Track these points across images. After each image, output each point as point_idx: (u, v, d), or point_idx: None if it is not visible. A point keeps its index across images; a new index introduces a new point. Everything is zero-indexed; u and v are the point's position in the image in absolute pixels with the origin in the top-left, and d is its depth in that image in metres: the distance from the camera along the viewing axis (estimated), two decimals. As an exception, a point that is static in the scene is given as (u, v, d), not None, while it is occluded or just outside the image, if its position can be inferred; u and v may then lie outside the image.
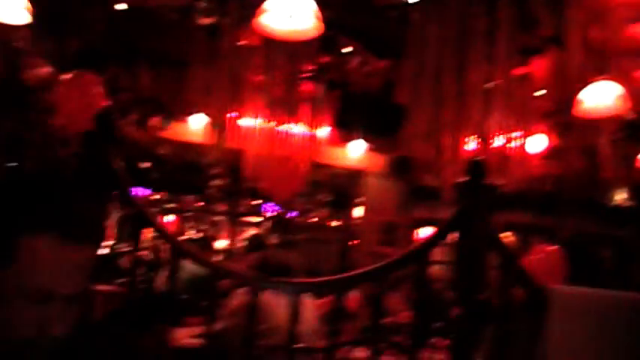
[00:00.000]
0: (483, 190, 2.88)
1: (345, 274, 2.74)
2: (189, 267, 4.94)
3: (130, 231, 2.83)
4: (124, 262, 6.18)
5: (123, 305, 3.07)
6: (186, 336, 3.56)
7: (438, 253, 2.95)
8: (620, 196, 7.64)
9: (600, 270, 4.29)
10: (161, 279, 5.71)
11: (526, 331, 2.91)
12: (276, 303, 3.02)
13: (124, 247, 6.79)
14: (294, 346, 2.67)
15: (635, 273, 6.69)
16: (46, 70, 3.40)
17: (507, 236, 7.19)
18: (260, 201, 9.49)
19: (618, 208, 7.69)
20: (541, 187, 6.72)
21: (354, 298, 4.86)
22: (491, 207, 2.90)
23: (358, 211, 8.43)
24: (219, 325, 3.13)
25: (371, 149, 7.73)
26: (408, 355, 3.14)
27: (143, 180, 7.83)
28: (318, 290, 3.11)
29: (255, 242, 4.26)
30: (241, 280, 2.95)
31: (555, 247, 3.41)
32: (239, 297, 3.24)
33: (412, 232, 8.26)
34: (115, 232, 9.21)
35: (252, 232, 8.83)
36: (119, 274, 5.78)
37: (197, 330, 3.55)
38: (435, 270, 5.42)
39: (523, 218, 7.72)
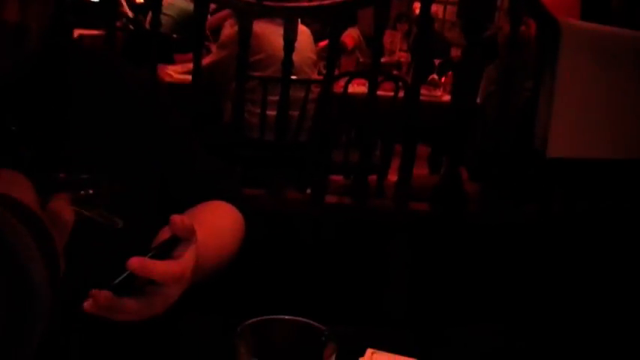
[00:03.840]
0: None
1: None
2: (178, 3, 4.72)
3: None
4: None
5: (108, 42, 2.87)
6: (177, 72, 3.44)
7: None
8: None
9: (609, 15, 4.09)
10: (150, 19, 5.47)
11: (534, 64, 2.80)
12: (270, 31, 2.84)
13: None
14: (290, 77, 2.54)
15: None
16: None
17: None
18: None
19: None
20: None
21: (351, 34, 4.70)
22: None
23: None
24: (208, 59, 2.97)
25: None
26: (406, 88, 3.07)
27: None
28: (314, 14, 2.92)
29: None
30: (231, 6, 2.73)
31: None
32: (230, 27, 3.05)
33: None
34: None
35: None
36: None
37: (188, 66, 3.42)
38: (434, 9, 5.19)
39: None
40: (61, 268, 0.63)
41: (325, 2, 2.44)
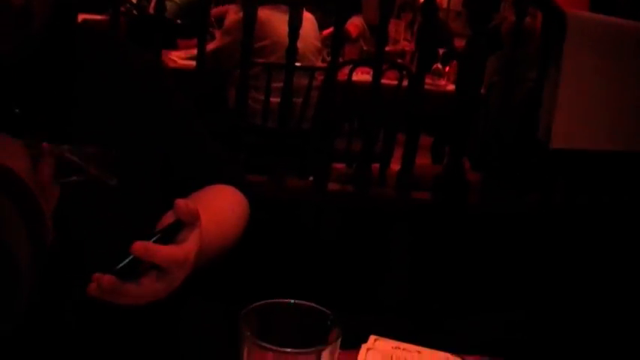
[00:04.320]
0: None
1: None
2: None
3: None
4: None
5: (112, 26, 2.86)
6: (180, 58, 3.43)
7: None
8: None
9: (616, 8, 4.08)
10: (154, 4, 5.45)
11: (538, 55, 2.80)
12: (275, 18, 2.83)
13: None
14: (294, 64, 2.53)
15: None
16: None
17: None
18: None
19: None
20: None
21: (355, 23, 4.69)
22: None
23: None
24: (213, 45, 2.97)
25: None
26: (410, 77, 3.06)
27: None
28: (319, 2, 2.91)
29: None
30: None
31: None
32: (234, 13, 3.04)
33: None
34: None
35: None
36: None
37: (191, 52, 3.41)
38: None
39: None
40: (49, 239, 0.62)
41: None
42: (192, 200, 0.87)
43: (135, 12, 5.40)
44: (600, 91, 2.79)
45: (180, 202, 0.80)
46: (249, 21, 2.42)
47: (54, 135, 0.91)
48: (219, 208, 1.05)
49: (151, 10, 5.48)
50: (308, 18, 2.78)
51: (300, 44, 2.52)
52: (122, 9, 5.38)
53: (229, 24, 3.00)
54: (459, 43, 5.29)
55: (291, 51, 2.45)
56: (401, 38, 5.22)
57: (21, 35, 0.87)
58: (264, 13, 2.63)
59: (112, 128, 0.98)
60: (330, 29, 4.40)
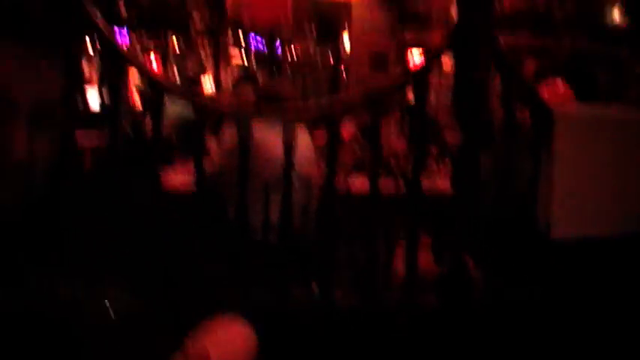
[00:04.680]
0: (482, 5, 2.69)
1: (341, 100, 2.59)
2: (174, 109, 4.82)
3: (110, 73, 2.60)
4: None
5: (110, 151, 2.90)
6: (178, 179, 3.47)
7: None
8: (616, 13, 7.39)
9: (598, 92, 4.20)
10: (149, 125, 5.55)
11: (529, 152, 2.84)
12: (270, 137, 2.89)
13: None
14: (291, 180, 2.57)
15: (632, 94, 6.59)
16: None
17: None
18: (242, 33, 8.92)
19: (614, 26, 7.45)
20: (535, 5, 6.50)
21: (346, 128, 4.77)
22: (491, 22, 2.72)
23: (346, 42, 8.13)
24: (210, 169, 3.02)
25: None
26: (405, 180, 3.10)
27: (116, 18, 7.35)
28: (312, 116, 2.97)
29: (245, 74, 4.09)
30: (230, 115, 2.79)
31: (564, 86, 3.27)
32: (230, 136, 3.10)
33: (404, 58, 8.00)
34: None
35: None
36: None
37: (189, 173, 3.45)
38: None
39: (517, 40, 7.45)
40: None
41: (328, 104, 2.49)
42: (201, 336, 0.88)
43: (130, 133, 5.50)
44: (594, 178, 2.83)
45: (189, 344, 0.81)
46: (245, 144, 2.47)
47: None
48: (228, 343, 1.06)
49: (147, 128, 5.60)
50: (301, 129, 2.83)
51: (295, 157, 2.56)
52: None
53: (225, 148, 3.04)
54: (450, 136, 5.37)
55: (287, 170, 2.49)
56: (391, 137, 5.29)
57: (22, 185, 0.87)
58: (257, 131, 2.68)
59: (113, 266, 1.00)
60: (321, 131, 4.47)
